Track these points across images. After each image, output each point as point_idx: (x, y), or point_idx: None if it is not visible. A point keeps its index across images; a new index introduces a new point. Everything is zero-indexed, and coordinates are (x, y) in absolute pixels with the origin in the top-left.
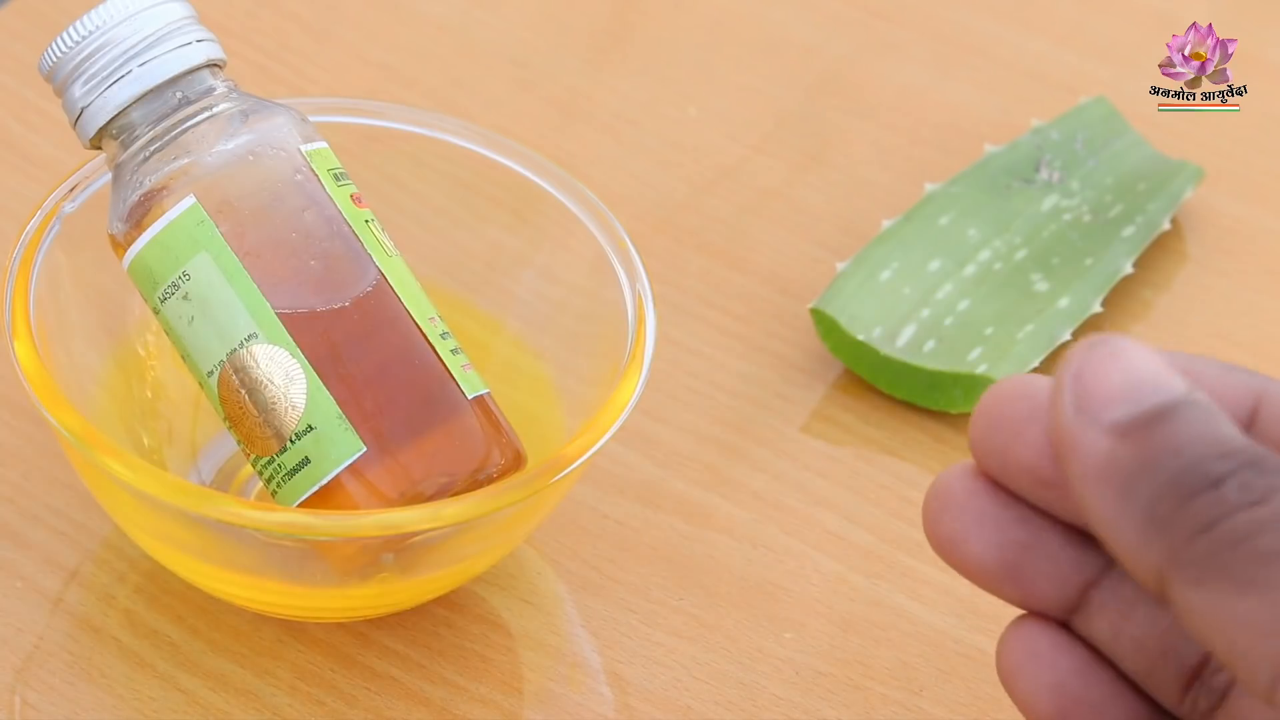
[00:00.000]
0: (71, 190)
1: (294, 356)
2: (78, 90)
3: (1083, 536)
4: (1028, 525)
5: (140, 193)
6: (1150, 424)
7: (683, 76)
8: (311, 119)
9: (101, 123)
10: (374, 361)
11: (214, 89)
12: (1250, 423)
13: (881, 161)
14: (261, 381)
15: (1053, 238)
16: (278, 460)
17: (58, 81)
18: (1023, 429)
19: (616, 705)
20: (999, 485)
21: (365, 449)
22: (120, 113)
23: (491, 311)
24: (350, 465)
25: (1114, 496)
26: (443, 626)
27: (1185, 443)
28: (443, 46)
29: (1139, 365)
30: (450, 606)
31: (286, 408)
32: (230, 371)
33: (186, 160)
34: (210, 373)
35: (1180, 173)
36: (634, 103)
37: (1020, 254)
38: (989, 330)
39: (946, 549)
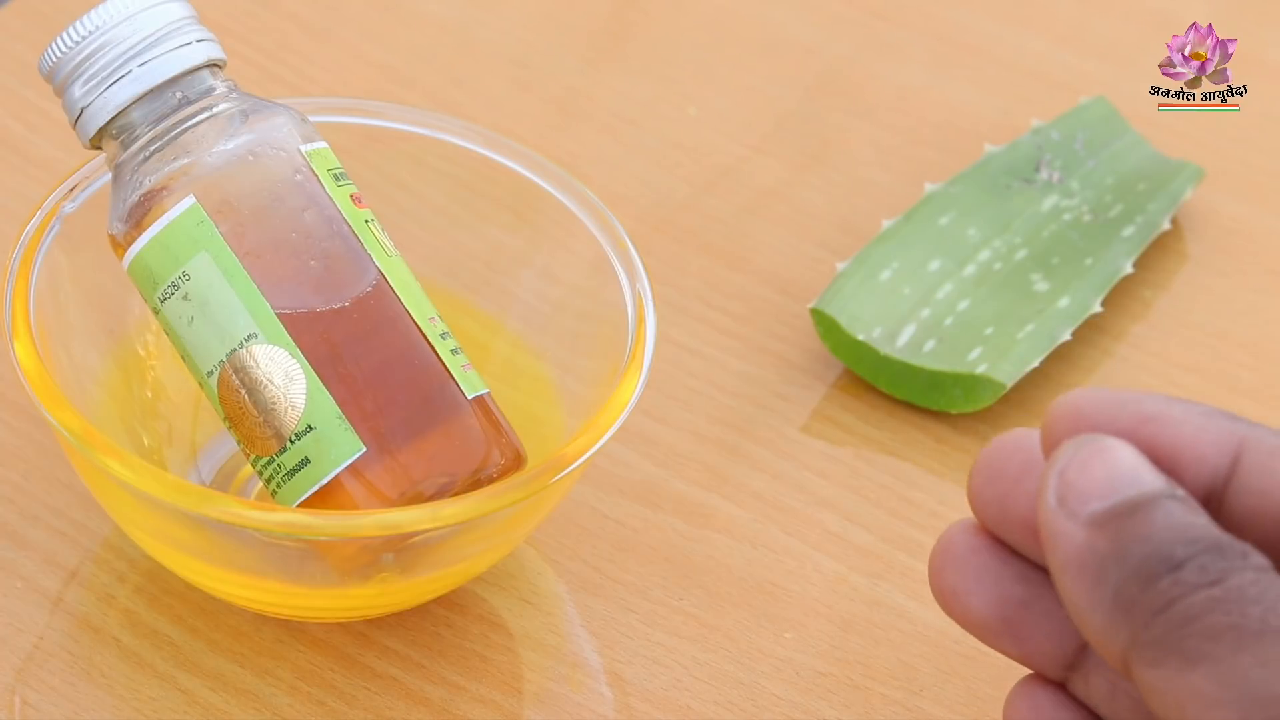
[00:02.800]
0: (71, 190)
1: (294, 356)
2: (78, 90)
3: None
4: (1027, 582)
5: (140, 193)
6: (1124, 515)
7: (683, 76)
8: (311, 119)
9: (101, 123)
10: (374, 361)
11: (214, 89)
12: (1231, 469)
13: (881, 161)
14: (261, 381)
15: (1053, 238)
16: (278, 460)
17: (58, 81)
18: (1020, 481)
19: (616, 705)
20: (999, 541)
21: (365, 449)
22: (120, 113)
23: (491, 311)
24: (350, 465)
25: (1087, 583)
26: (443, 626)
27: (1154, 531)
28: (443, 46)
29: (1121, 462)
30: (450, 606)
31: (286, 408)
32: (230, 371)
33: (186, 160)
34: (210, 373)
35: (1180, 173)
36: (634, 103)
37: (1020, 254)
38: (989, 330)
39: (949, 602)
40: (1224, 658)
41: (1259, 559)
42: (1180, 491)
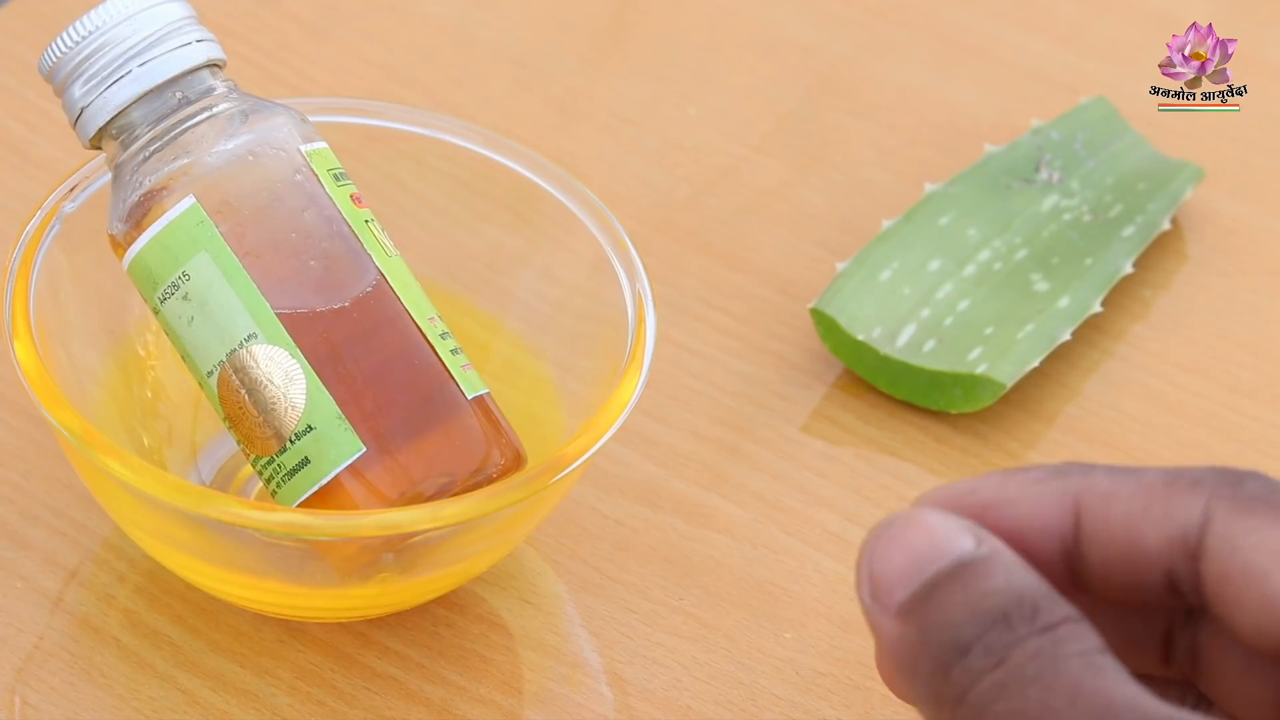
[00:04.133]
0: (71, 190)
1: (294, 356)
2: (78, 90)
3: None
4: None
5: (140, 193)
6: (924, 599)
7: (683, 76)
8: (311, 119)
9: (101, 123)
10: (374, 361)
11: (214, 89)
12: (1076, 527)
13: (881, 161)
14: (261, 381)
15: (1053, 238)
16: (278, 460)
17: (58, 81)
18: None
19: (616, 705)
20: None
21: (365, 449)
22: (120, 113)
23: (491, 311)
24: (350, 465)
25: (906, 677)
26: (443, 626)
27: (950, 612)
28: (443, 46)
29: (920, 540)
30: (450, 606)
31: (286, 408)
32: (230, 371)
33: (186, 160)
34: (210, 373)
35: (1180, 173)
36: (634, 103)
37: (1020, 254)
38: (989, 330)
39: None
40: None
41: (1053, 613)
42: (986, 548)
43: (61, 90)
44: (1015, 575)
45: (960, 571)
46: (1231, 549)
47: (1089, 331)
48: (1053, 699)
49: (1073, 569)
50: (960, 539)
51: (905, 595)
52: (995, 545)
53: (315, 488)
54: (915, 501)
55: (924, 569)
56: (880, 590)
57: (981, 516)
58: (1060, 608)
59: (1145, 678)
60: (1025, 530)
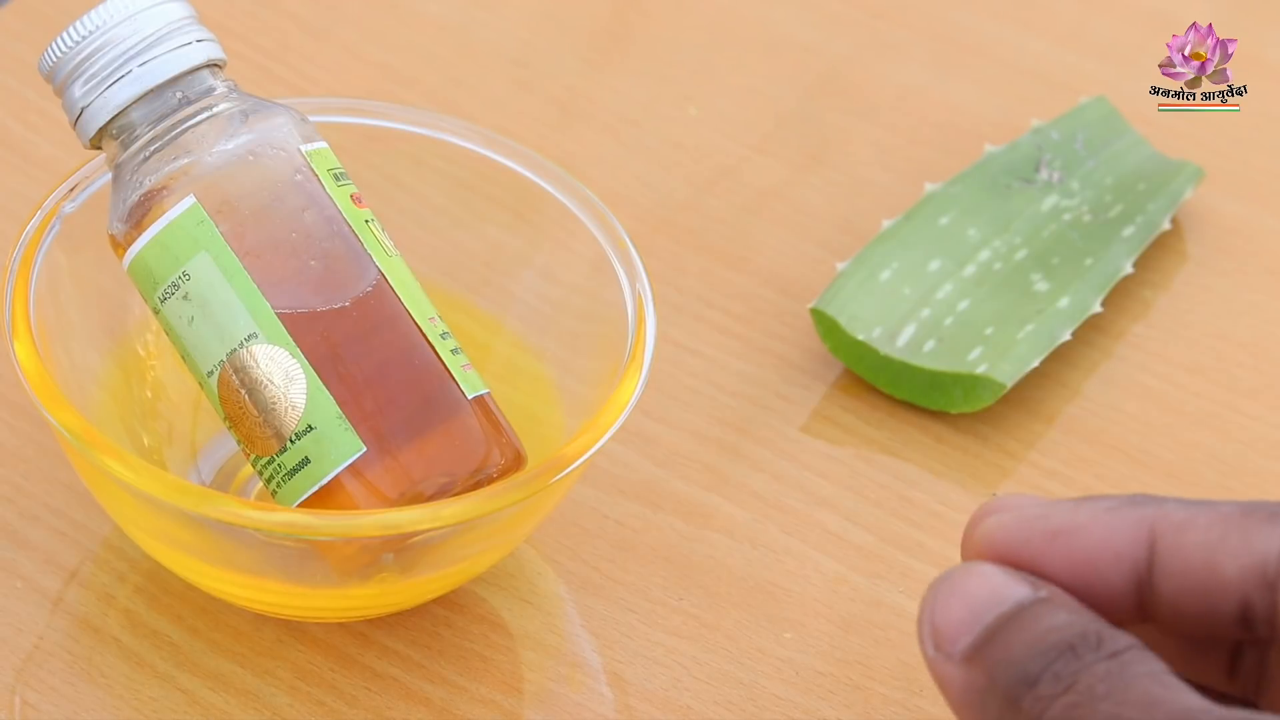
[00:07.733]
0: (71, 190)
1: (294, 356)
2: (78, 90)
3: None
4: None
5: (140, 193)
6: (987, 643)
7: (683, 76)
8: (311, 119)
9: (101, 123)
10: (374, 361)
11: (214, 89)
12: (1150, 556)
13: (881, 161)
14: (261, 381)
15: (1053, 238)
16: (278, 460)
17: (58, 81)
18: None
19: (616, 705)
20: None
21: (365, 449)
22: (120, 113)
23: (491, 311)
24: (350, 465)
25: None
26: (443, 626)
27: (1014, 651)
28: (443, 46)
29: (977, 590)
30: (450, 606)
31: (286, 408)
32: (230, 371)
33: (186, 160)
34: (210, 373)
35: (1180, 173)
36: (634, 103)
37: (1020, 254)
38: (989, 330)
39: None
40: None
41: (1116, 642)
42: (1044, 591)
43: (61, 90)
44: (1075, 612)
45: (1021, 613)
46: None
47: (1089, 331)
48: (1127, 711)
49: (1143, 600)
50: (1017, 586)
51: (968, 642)
52: (1052, 589)
53: (315, 488)
54: (978, 511)
55: (984, 615)
56: (943, 640)
57: (1051, 543)
58: (1123, 638)
59: (1206, 691)
60: (1097, 558)
